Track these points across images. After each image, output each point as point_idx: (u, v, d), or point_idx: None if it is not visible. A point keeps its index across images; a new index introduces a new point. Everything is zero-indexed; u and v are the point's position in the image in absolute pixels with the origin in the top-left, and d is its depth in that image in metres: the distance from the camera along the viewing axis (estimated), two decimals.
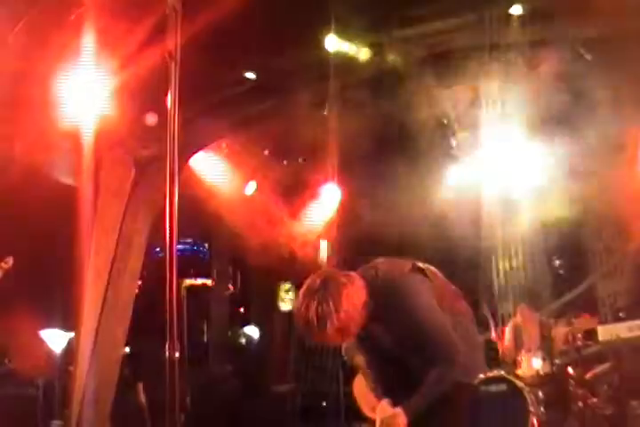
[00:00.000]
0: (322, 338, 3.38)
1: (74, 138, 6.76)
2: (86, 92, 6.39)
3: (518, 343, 8.06)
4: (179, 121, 2.92)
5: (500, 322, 11.61)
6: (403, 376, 3.60)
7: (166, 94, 2.86)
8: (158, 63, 2.98)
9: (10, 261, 6.36)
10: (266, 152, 10.05)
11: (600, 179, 8.24)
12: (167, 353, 2.73)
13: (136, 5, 5.62)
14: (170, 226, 2.89)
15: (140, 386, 9.00)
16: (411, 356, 3.58)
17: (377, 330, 3.56)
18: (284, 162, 10.37)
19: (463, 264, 12.07)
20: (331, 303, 3.27)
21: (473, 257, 11.88)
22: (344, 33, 6.98)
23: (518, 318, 8.35)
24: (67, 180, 7.52)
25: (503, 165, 8.93)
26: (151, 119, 6.94)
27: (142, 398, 8.95)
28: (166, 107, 2.93)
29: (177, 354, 2.76)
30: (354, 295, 3.37)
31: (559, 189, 8.49)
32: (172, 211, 2.87)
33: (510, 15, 7.03)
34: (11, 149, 6.79)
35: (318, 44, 6.87)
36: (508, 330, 8.34)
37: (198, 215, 9.24)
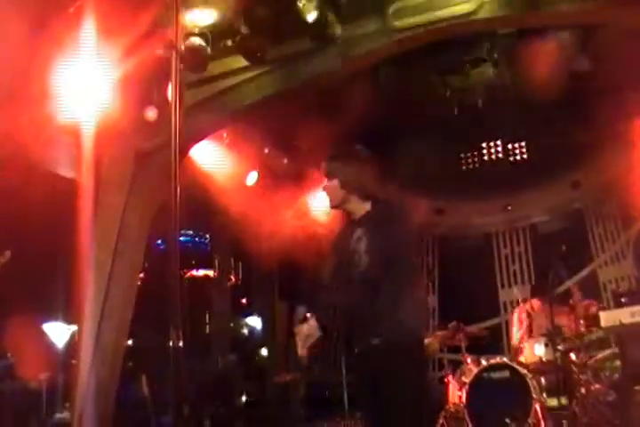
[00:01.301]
0: None
1: (74, 131, 6.74)
2: (86, 85, 6.36)
3: (527, 329, 8.08)
4: (181, 111, 2.91)
5: (504, 309, 11.72)
6: None
7: (167, 85, 2.85)
8: (158, 54, 2.96)
9: (7, 254, 6.33)
10: (266, 147, 10.04)
11: None
12: (171, 342, 2.72)
13: None
14: (174, 216, 2.88)
15: (144, 378, 9.02)
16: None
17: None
18: (286, 152, 10.34)
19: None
20: None
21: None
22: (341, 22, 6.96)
23: (527, 305, 8.36)
24: (67, 173, 7.50)
25: None
26: (151, 112, 6.91)
27: (145, 389, 8.96)
28: (167, 98, 2.92)
29: (180, 343, 2.76)
30: None
31: None
32: (175, 201, 2.86)
33: None
34: (11, 143, 6.77)
35: (323, 31, 6.83)
36: (516, 317, 8.35)
37: (199, 206, 9.22)
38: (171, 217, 2.94)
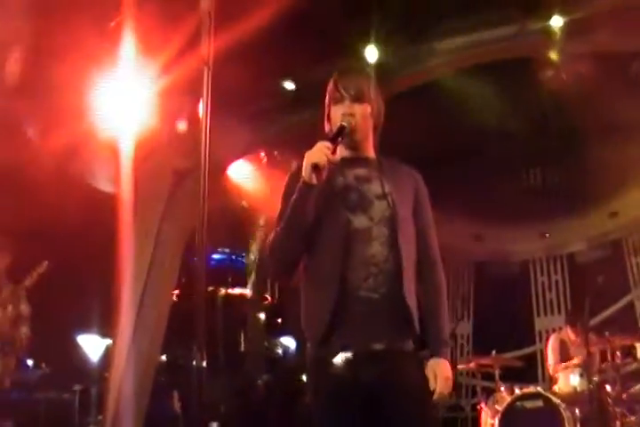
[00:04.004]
0: None
1: (113, 146, 6.83)
2: (125, 101, 6.46)
3: (562, 358, 7.98)
4: (211, 127, 2.94)
5: (539, 338, 11.59)
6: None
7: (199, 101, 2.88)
8: (196, 71, 3.00)
9: (45, 264, 6.42)
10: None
11: None
12: (194, 362, 2.74)
13: (173, 12, 5.68)
14: (199, 235, 2.90)
15: (176, 394, 9.04)
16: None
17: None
18: None
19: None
20: None
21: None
22: (384, 44, 6.96)
23: (564, 334, 8.26)
24: (106, 187, 7.60)
25: None
26: (188, 129, 6.99)
27: (177, 405, 8.98)
28: (202, 114, 2.94)
29: (204, 363, 2.77)
30: None
31: None
32: (202, 219, 2.89)
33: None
34: (52, 157, 6.88)
35: (358, 55, 6.86)
36: (551, 346, 8.25)
37: (237, 225, 9.26)
38: (199, 237, 2.96)
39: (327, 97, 3.26)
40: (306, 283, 3.12)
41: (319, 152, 2.90)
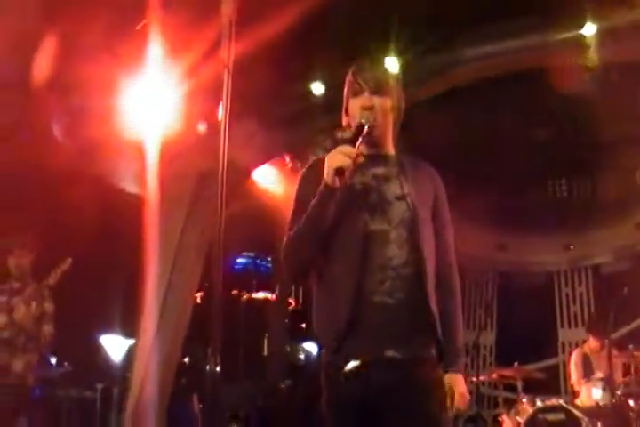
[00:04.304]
0: None
1: (139, 147, 6.87)
2: (151, 103, 6.50)
3: (585, 373, 7.91)
4: (234, 131, 2.94)
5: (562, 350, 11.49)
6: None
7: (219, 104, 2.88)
8: (221, 73, 3.01)
9: (68, 261, 6.46)
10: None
11: None
12: (208, 366, 2.72)
13: (199, 15, 5.71)
14: (218, 238, 2.90)
15: (195, 396, 9.06)
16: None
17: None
18: None
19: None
20: None
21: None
22: (409, 51, 6.93)
23: (586, 348, 8.20)
24: (132, 188, 7.65)
25: None
26: (213, 132, 7.01)
27: (197, 407, 9.00)
28: (232, 119, 2.94)
29: (217, 368, 2.76)
30: None
31: None
32: (220, 222, 2.88)
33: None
34: (80, 157, 6.94)
35: (383, 58, 6.82)
36: (574, 358, 8.19)
37: (262, 229, 9.27)
38: (217, 241, 2.96)
39: (345, 89, 3.13)
40: (319, 286, 3.00)
41: (342, 155, 2.78)
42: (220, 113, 2.94)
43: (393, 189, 3.00)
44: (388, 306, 2.85)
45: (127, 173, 7.58)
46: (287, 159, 9.15)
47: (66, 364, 8.48)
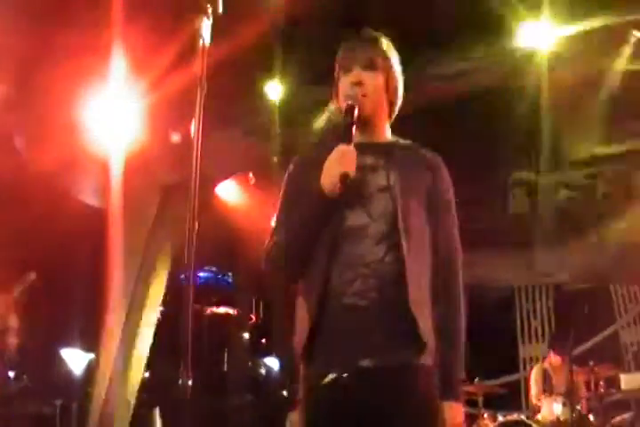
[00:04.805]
0: None
1: (101, 161, 6.84)
2: (114, 116, 6.48)
3: (545, 388, 7.97)
4: (202, 149, 2.93)
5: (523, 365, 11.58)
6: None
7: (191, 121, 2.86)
8: (186, 88, 2.99)
9: (32, 275, 6.39)
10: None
11: None
12: (180, 381, 2.68)
13: (163, 27, 5.71)
14: (188, 253, 2.88)
15: (157, 411, 8.99)
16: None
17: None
18: None
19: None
20: None
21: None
22: None
23: (547, 363, 8.26)
24: (94, 202, 7.60)
25: None
26: (178, 145, 7.00)
27: (158, 422, 8.93)
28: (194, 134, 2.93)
29: (189, 382, 2.73)
30: None
31: None
32: (190, 238, 2.87)
33: None
34: (42, 172, 6.88)
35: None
36: (535, 374, 8.25)
37: (223, 244, 9.24)
38: (188, 255, 2.93)
39: (336, 69, 2.80)
40: (299, 290, 2.68)
41: (347, 158, 2.49)
42: (193, 129, 2.92)
43: (377, 180, 2.65)
44: (360, 308, 2.50)
45: (91, 186, 7.53)
46: (250, 175, 9.16)
47: (25, 378, 8.37)
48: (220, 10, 2.71)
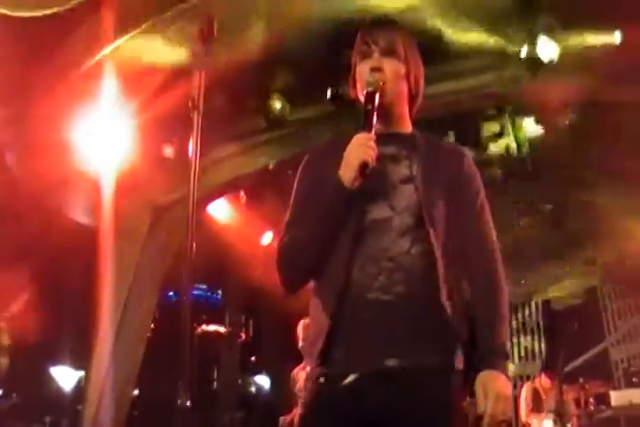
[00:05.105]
0: None
1: (93, 180, 6.85)
2: (106, 136, 6.50)
3: (535, 406, 7.98)
4: (199, 170, 2.95)
5: (513, 384, 11.60)
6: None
7: (188, 143, 2.88)
8: (179, 110, 3.01)
9: (25, 296, 6.39)
10: (284, 207, 10.10)
11: None
12: (179, 401, 2.62)
13: (154, 48, 5.75)
14: (187, 272, 2.88)
15: None
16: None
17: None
18: None
19: None
20: None
21: None
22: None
23: (537, 383, 8.27)
24: (85, 220, 7.60)
25: None
26: (169, 165, 7.01)
27: None
28: (187, 154, 2.94)
29: (188, 402, 2.67)
30: None
31: None
32: (189, 257, 2.87)
33: None
34: (33, 190, 6.88)
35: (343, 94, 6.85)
36: (525, 392, 8.26)
37: (214, 262, 9.25)
38: (184, 273, 2.94)
39: (354, 55, 2.64)
40: (314, 290, 2.48)
41: (366, 147, 2.34)
42: (191, 152, 2.94)
43: (400, 171, 2.50)
44: (385, 303, 2.30)
45: (82, 205, 7.53)
46: (242, 194, 9.18)
47: (14, 395, 8.35)
48: (216, 33, 2.73)
